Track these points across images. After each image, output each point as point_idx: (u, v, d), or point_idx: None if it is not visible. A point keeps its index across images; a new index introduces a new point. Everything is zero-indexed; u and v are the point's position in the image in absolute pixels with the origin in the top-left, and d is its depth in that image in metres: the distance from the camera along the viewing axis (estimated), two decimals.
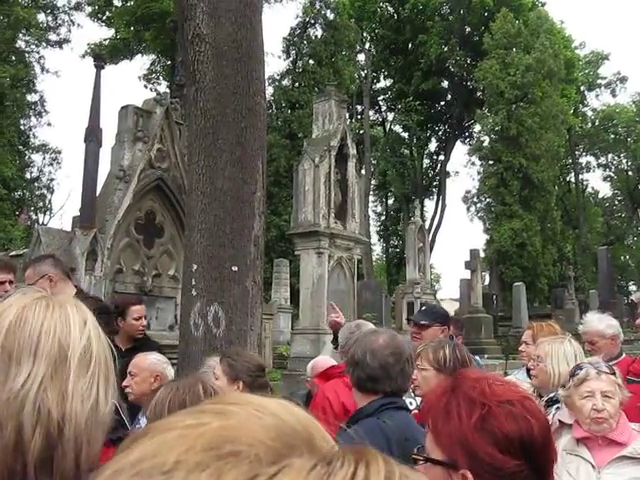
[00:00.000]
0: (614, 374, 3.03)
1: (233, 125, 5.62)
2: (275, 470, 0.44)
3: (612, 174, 58.61)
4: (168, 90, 23.66)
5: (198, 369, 4.66)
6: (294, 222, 13.32)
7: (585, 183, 56.51)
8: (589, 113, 55.75)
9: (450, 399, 1.44)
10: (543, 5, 48.08)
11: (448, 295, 46.52)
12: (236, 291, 5.49)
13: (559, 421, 3.49)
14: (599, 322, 4.45)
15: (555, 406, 3.62)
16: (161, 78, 38.24)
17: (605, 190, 60.81)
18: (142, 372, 4.10)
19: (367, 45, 50.07)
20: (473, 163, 46.50)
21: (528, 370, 3.63)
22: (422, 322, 4.73)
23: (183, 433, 0.47)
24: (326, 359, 5.74)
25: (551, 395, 3.67)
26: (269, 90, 38.77)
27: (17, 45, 32.23)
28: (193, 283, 5.54)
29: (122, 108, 9.19)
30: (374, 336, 2.63)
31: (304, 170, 12.56)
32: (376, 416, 2.49)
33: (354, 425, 2.48)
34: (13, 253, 10.23)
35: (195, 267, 5.55)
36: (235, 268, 5.47)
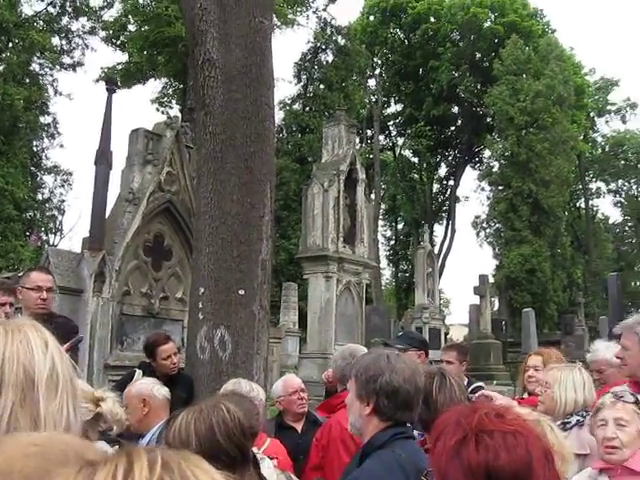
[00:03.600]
0: (636, 402, 2.99)
1: (242, 149, 5.66)
2: None
3: (622, 200, 58.45)
4: (179, 114, 23.85)
5: (205, 393, 4.65)
6: (303, 246, 13.34)
7: (595, 209, 56.32)
8: (599, 139, 55.73)
9: (445, 424, 1.45)
10: (553, 32, 48.32)
11: (457, 320, 46.39)
12: (243, 315, 5.50)
13: None
14: (607, 350, 4.41)
15: (562, 435, 3.58)
16: (173, 102, 38.56)
17: (615, 216, 60.73)
18: (130, 401, 4.07)
19: (378, 70, 50.34)
20: (483, 188, 46.49)
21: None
22: (398, 346, 4.72)
23: None
24: (295, 377, 5.72)
25: (557, 423, 3.63)
26: (280, 114, 39.04)
27: (31, 68, 32.57)
28: (200, 306, 5.55)
29: (132, 131, 9.25)
30: (402, 363, 2.61)
31: (313, 194, 12.60)
32: (389, 448, 2.45)
33: (368, 459, 2.46)
34: (21, 274, 10.26)
35: (202, 290, 5.56)
36: (242, 292, 5.48)
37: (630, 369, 3.77)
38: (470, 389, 5.09)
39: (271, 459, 3.70)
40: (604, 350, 4.53)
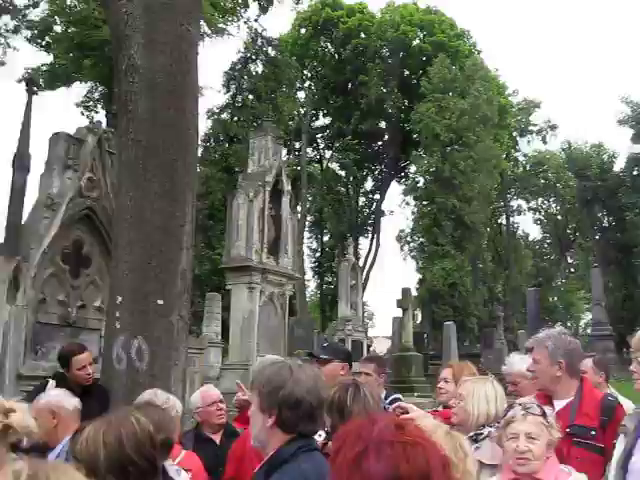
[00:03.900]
0: (543, 415, 3.06)
1: (164, 157, 5.58)
2: None
3: (542, 217, 60.32)
4: (104, 119, 23.38)
5: (121, 404, 4.54)
6: (227, 256, 13.26)
7: (516, 225, 57.93)
8: (521, 158, 57.43)
9: (345, 437, 1.46)
10: (479, 53, 49.63)
11: (381, 333, 46.72)
12: (161, 325, 5.41)
13: (478, 461, 3.52)
14: (521, 363, 4.50)
15: (474, 446, 3.64)
16: (98, 106, 37.78)
17: (535, 233, 62.73)
18: (39, 412, 3.94)
19: (307, 83, 50.69)
20: (407, 203, 47.18)
21: None
22: (322, 357, 4.74)
23: None
24: (213, 388, 5.68)
25: (470, 434, 3.69)
26: (208, 123, 38.81)
27: None
28: (117, 316, 5.43)
29: (53, 135, 9.00)
30: (305, 373, 2.57)
31: (238, 204, 12.54)
32: (295, 462, 2.40)
33: (276, 474, 2.39)
34: None
35: (120, 299, 5.44)
36: (161, 302, 5.39)
37: (540, 383, 3.87)
38: (387, 401, 5.14)
39: (185, 471, 3.65)
40: (519, 363, 4.62)
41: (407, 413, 4.03)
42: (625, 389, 5.81)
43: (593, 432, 3.56)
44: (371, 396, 3.55)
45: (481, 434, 3.64)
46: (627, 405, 4.09)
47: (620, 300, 47.03)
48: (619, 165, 52.92)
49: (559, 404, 3.73)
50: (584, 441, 3.54)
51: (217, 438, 5.25)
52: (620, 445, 3.24)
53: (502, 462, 3.15)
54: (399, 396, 5.77)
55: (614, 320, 34.23)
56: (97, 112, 37.14)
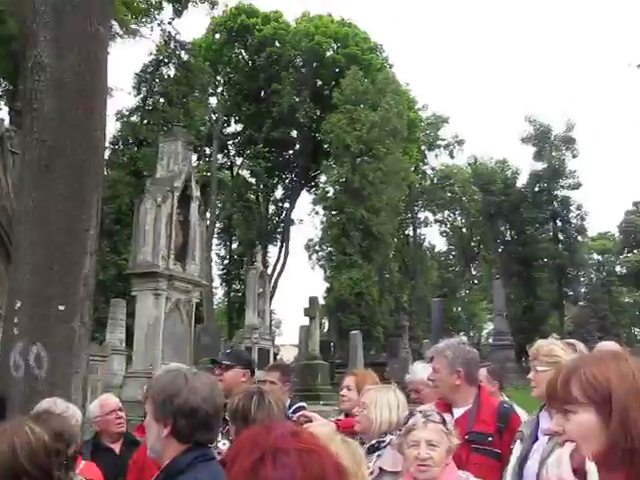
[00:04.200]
0: (443, 422, 3.12)
1: (70, 158, 5.43)
2: None
3: (448, 230, 61.85)
4: (7, 116, 22.56)
5: (19, 413, 4.38)
6: (132, 262, 12.98)
7: (422, 237, 59.18)
8: (429, 171, 58.71)
9: (241, 445, 1.46)
10: (391, 67, 50.62)
11: (288, 341, 46.78)
12: (62, 331, 5.24)
13: (380, 468, 3.57)
14: (423, 372, 4.59)
15: (376, 453, 3.69)
16: (1, 103, 36.43)
17: (441, 245, 64.13)
18: None
19: (220, 89, 50.36)
20: (317, 212, 47.44)
21: None
22: (225, 363, 4.74)
23: None
24: (112, 396, 5.60)
25: (373, 442, 3.74)
26: (117, 125, 38.01)
27: None
28: (15, 321, 5.23)
29: None
30: (200, 381, 2.52)
31: (145, 209, 12.32)
32: (191, 472, 2.34)
33: None
34: None
35: (19, 304, 5.25)
36: (62, 307, 5.23)
37: (440, 391, 3.96)
38: (292, 409, 5.15)
39: None
40: (421, 371, 4.71)
41: (311, 422, 4.06)
42: (523, 397, 6.03)
43: (490, 438, 3.67)
44: (275, 404, 3.56)
45: (383, 442, 3.69)
46: (520, 413, 4.24)
47: (520, 311, 48.67)
48: (522, 181, 54.88)
49: (458, 412, 3.83)
50: (482, 447, 3.64)
51: (116, 447, 5.16)
52: (516, 451, 3.35)
53: (403, 469, 3.20)
54: (303, 404, 5.79)
55: (515, 330, 35.44)
56: (0, 109, 35.85)
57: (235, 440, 1.57)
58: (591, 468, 1.58)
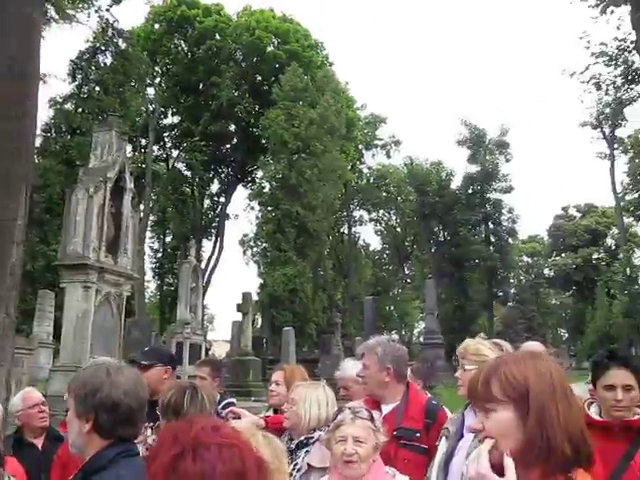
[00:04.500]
0: (371, 419, 3.15)
1: None
2: None
3: (382, 229, 62.44)
4: None
5: None
6: (62, 253, 12.66)
7: (357, 235, 59.56)
8: (365, 170, 59.14)
9: (162, 440, 1.45)
10: (331, 65, 50.75)
11: (221, 336, 46.56)
12: None
13: (308, 464, 3.58)
14: (353, 369, 4.61)
15: (305, 449, 3.70)
16: None
17: (375, 243, 64.70)
18: None
19: (158, 80, 49.60)
20: (252, 208, 47.33)
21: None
22: (144, 362, 4.65)
23: None
24: (35, 390, 5.48)
25: (301, 438, 3.75)
26: (49, 112, 37.03)
27: None
28: None
29: None
30: (123, 375, 2.46)
31: (77, 199, 12.03)
32: (114, 468, 2.28)
33: None
34: None
35: None
36: None
37: (369, 387, 3.99)
38: (221, 405, 5.13)
39: (9, 478, 3.48)
40: (351, 368, 4.73)
41: (239, 418, 4.06)
42: (452, 395, 6.14)
43: (418, 434, 3.72)
44: (208, 399, 3.56)
45: (312, 438, 3.70)
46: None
47: (451, 311, 49.54)
48: (456, 183, 55.86)
49: (386, 408, 3.87)
50: (410, 443, 3.69)
51: (39, 442, 5.04)
52: (442, 448, 3.41)
53: (331, 465, 3.22)
54: (233, 400, 5.78)
55: (445, 329, 36.05)
56: None
57: (158, 436, 1.55)
58: (508, 463, 1.62)
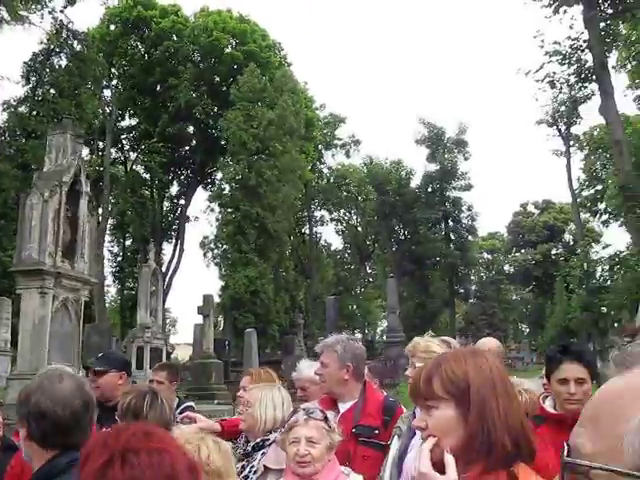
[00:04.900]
0: (325, 420, 3.15)
1: None
2: None
3: (344, 228, 62.66)
4: None
5: None
6: (17, 258, 12.46)
7: (319, 235, 59.71)
8: (325, 170, 59.33)
9: (92, 447, 1.44)
10: (289, 65, 50.74)
11: (184, 340, 46.20)
12: None
13: (264, 466, 3.58)
14: (310, 369, 4.61)
15: (261, 451, 3.70)
16: None
17: (337, 243, 64.86)
18: None
19: (115, 82, 49.03)
20: (212, 209, 47.13)
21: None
22: (98, 369, 4.61)
23: None
24: None
25: (257, 440, 3.75)
26: (3, 116, 36.48)
27: None
28: None
29: None
30: (60, 383, 2.42)
31: (32, 204, 11.84)
32: (65, 477, 2.24)
33: None
34: None
35: None
36: None
37: (327, 386, 3.99)
38: (180, 409, 5.11)
39: None
40: (307, 369, 4.73)
41: (195, 422, 4.04)
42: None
43: (376, 431, 3.74)
44: (167, 404, 3.55)
45: (268, 440, 3.71)
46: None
47: (413, 308, 49.96)
48: (415, 182, 56.30)
49: (344, 406, 3.88)
50: (368, 440, 3.70)
51: None
52: (394, 446, 3.43)
53: (286, 466, 3.22)
54: (192, 404, 5.75)
55: (407, 327, 36.22)
56: None
57: (88, 442, 1.53)
58: (449, 460, 1.64)
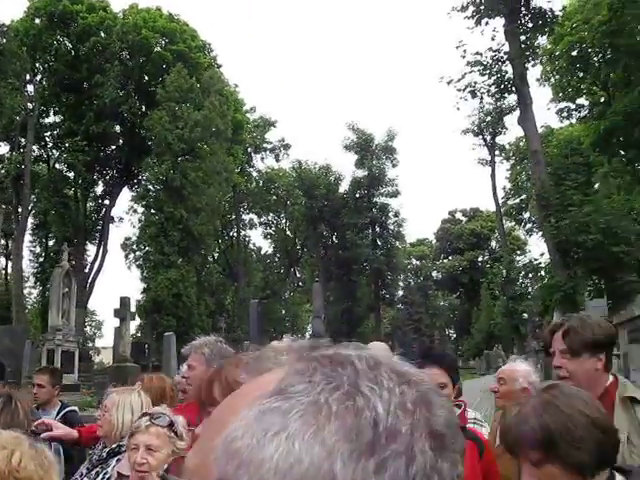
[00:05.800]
0: (169, 426, 3.04)
1: None
2: None
3: (272, 232, 62.57)
4: None
5: None
6: None
7: (247, 239, 59.44)
8: (254, 174, 59.10)
9: None
10: (219, 67, 50.37)
11: (109, 343, 45.27)
12: None
13: (118, 473, 3.46)
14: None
15: (116, 457, 3.58)
16: None
17: (266, 247, 64.67)
18: None
19: (39, 77, 47.69)
20: (135, 210, 46.33)
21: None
22: None
23: None
24: None
25: (113, 446, 3.63)
26: None
27: None
28: None
29: None
30: None
31: None
32: None
33: None
34: None
35: None
36: None
37: (193, 390, 3.90)
38: (61, 414, 5.04)
39: None
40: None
41: (50, 430, 3.91)
42: None
43: None
44: (22, 409, 3.42)
45: (123, 445, 3.59)
46: None
47: (339, 313, 50.19)
48: (344, 187, 56.69)
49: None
50: None
51: None
52: None
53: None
54: (74, 409, 5.63)
55: (334, 332, 36.41)
56: None
57: None
58: None
